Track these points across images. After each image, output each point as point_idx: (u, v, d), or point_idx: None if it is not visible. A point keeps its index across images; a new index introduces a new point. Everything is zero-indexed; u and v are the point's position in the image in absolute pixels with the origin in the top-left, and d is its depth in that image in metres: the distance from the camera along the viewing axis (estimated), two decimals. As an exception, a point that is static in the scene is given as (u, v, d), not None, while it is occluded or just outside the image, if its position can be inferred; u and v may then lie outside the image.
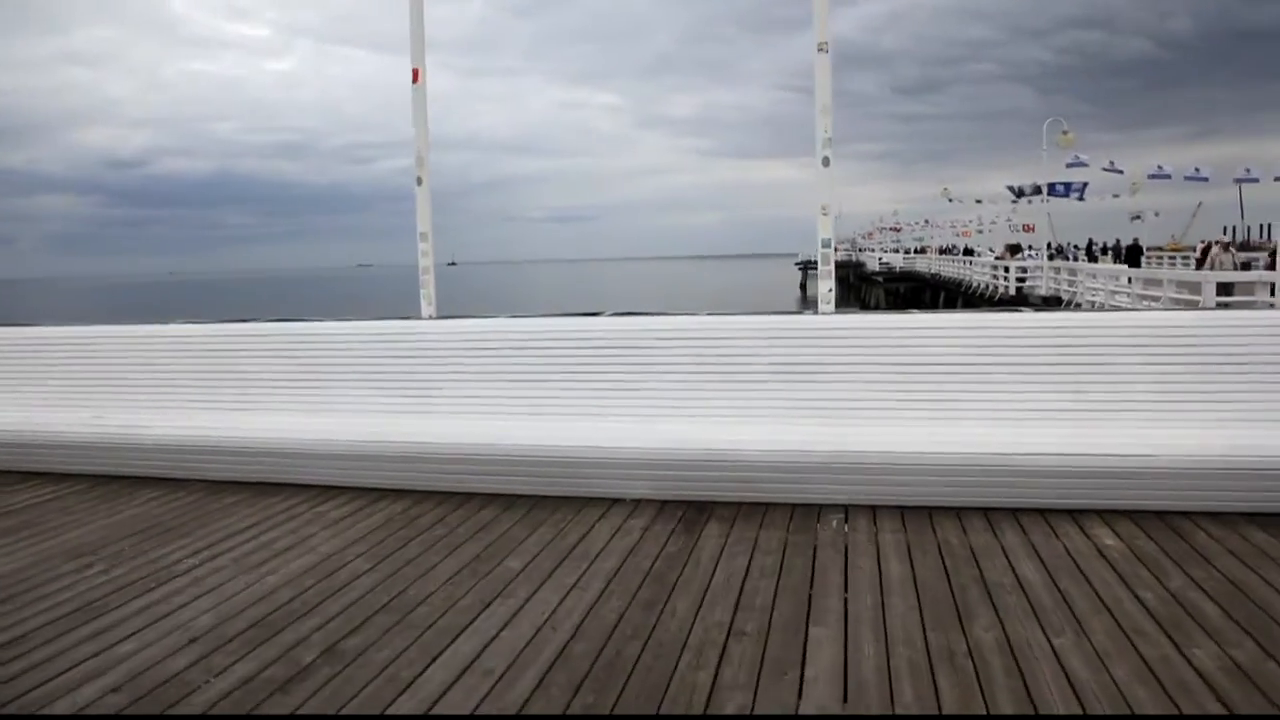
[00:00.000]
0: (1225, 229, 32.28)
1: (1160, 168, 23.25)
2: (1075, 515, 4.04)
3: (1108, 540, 3.73)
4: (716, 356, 4.98)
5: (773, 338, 4.95)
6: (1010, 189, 25.97)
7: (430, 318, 5.74)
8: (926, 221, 49.74)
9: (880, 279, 47.22)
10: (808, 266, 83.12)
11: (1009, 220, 48.30)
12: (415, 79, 5.57)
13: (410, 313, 5.96)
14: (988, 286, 26.25)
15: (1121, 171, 23.02)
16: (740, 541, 3.86)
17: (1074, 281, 19.56)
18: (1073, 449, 4.13)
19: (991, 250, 37.51)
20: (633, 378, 5.04)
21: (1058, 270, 21.60)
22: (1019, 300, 22.29)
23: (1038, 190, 23.72)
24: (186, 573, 3.68)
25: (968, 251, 45.96)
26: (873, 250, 72.77)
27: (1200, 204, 33.28)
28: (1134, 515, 3.99)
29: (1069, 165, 22.49)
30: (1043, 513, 4.08)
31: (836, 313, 5.21)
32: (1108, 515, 4.01)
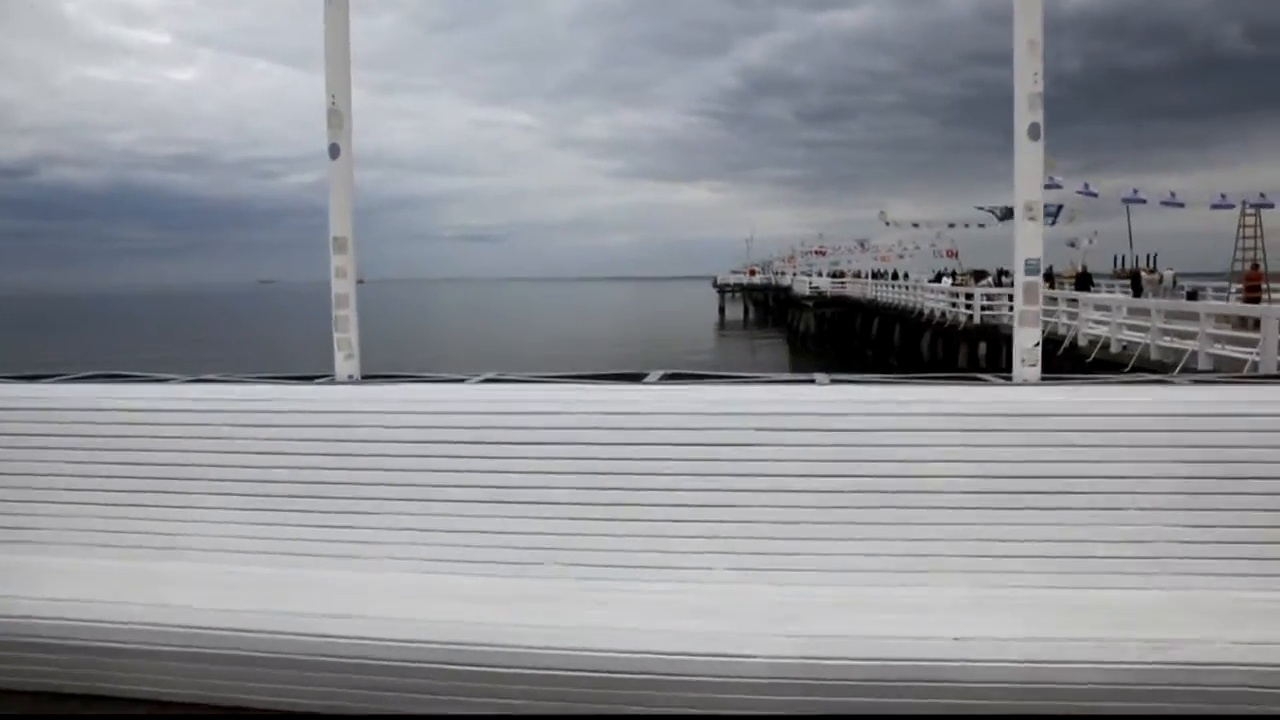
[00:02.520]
0: (1115, 257, 32.25)
1: (1135, 192, 22.32)
2: None
3: None
4: (866, 457, 2.85)
5: (961, 428, 2.87)
6: (982, 209, 24.68)
7: (352, 380, 3.45)
8: (862, 245, 48.81)
9: (810, 304, 45.98)
10: (724, 290, 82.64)
11: (933, 245, 47.93)
12: (331, -27, 3.33)
13: (320, 367, 3.66)
14: (943, 315, 24.86)
15: (1096, 195, 22.04)
16: None
17: (1054, 312, 18.11)
18: None
19: (957, 274, 36.28)
20: (720, 497, 2.88)
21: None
22: (986, 330, 20.88)
23: (1010, 212, 22.32)
24: None
25: (896, 276, 45.18)
26: (793, 274, 72.18)
27: (1096, 232, 33.35)
28: None
29: (1045, 187, 21.12)
30: None
31: (1046, 381, 3.14)
32: None
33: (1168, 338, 12.97)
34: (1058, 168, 20.43)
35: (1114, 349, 14.48)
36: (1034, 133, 3.14)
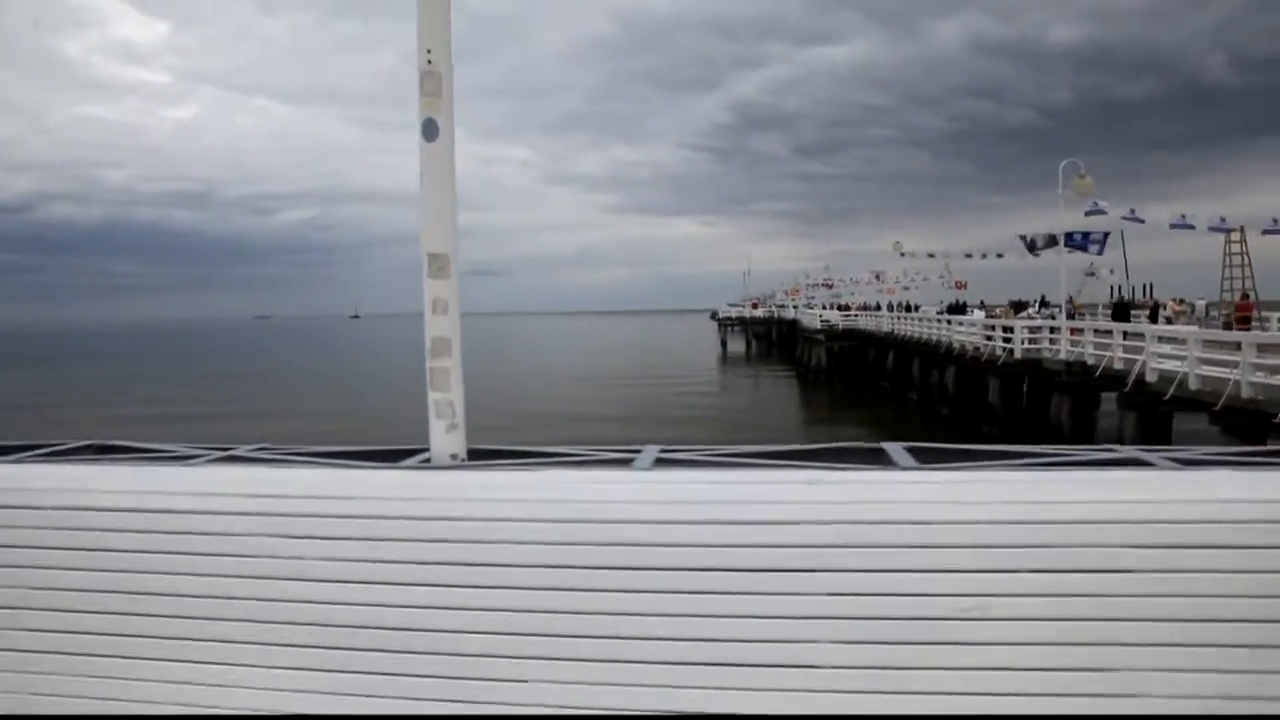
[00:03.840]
0: (1112, 289, 31.44)
1: (1183, 217, 21.38)
2: None
3: None
4: None
5: None
6: (1022, 239, 23.73)
7: (457, 461, 2.36)
8: (878, 276, 48.00)
9: (822, 337, 45.00)
10: (725, 323, 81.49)
11: (942, 277, 47.14)
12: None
13: (395, 434, 2.58)
14: (976, 349, 23.82)
15: (1143, 220, 21.07)
16: None
17: (1107, 345, 17.00)
18: None
19: (985, 308, 35.40)
20: (1071, 654, 1.81)
21: (1080, 330, 19.14)
22: (1029, 365, 19.80)
23: (1053, 241, 21.49)
24: None
25: (909, 308, 44.33)
26: (796, 306, 71.42)
27: (1093, 264, 32.77)
28: None
29: (1088, 213, 20.25)
30: None
31: None
32: None
33: (1260, 373, 11.92)
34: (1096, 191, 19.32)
35: (1193, 385, 13.41)
36: None
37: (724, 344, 76.98)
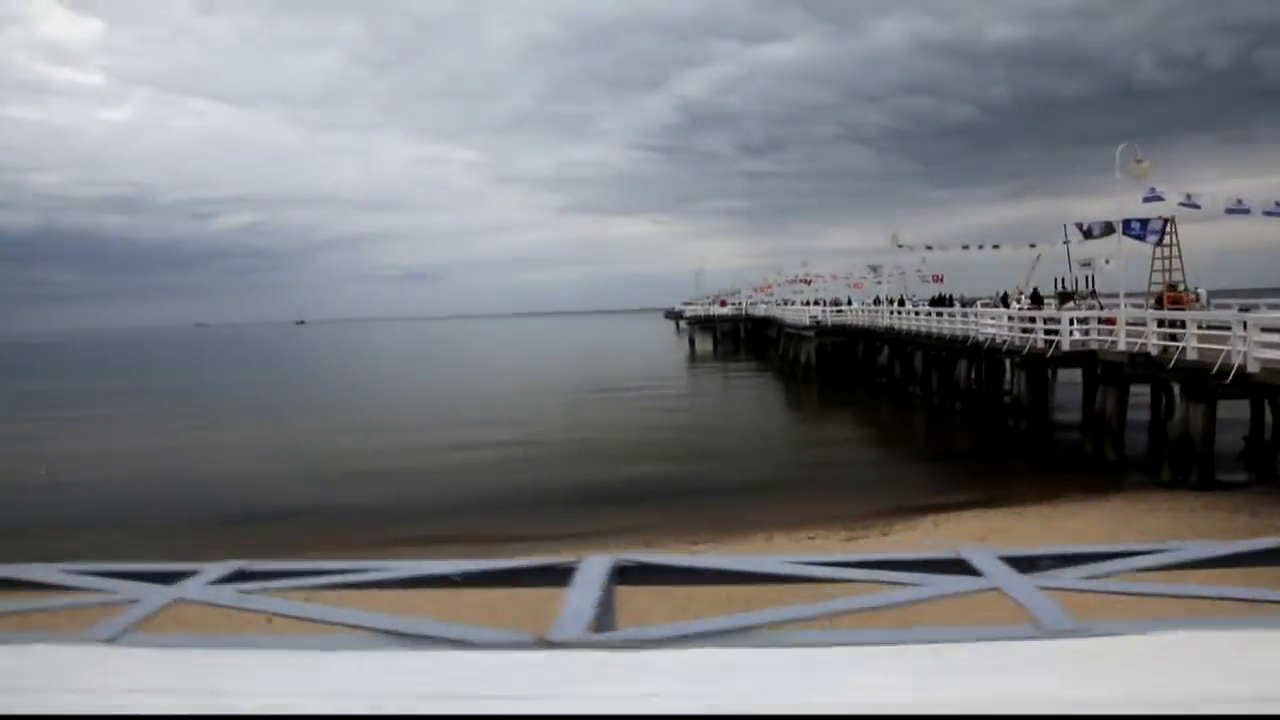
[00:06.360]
0: (1057, 279, 31.93)
1: (1240, 201, 21.14)
2: None
3: None
4: None
5: None
6: (1079, 227, 23.38)
7: None
8: (873, 269, 47.69)
9: (811, 333, 44.60)
10: (693, 322, 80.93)
11: (919, 270, 47.22)
12: None
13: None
14: (1004, 342, 23.43)
15: (1199, 207, 20.84)
16: None
17: (1179, 335, 16.66)
18: None
19: (990, 300, 35.17)
20: None
21: (1141, 321, 18.69)
22: (1085, 357, 19.48)
23: (1110, 229, 21.16)
24: None
25: (899, 301, 44.09)
26: (763, 304, 71.32)
27: (1039, 255, 33.35)
28: None
29: (1146, 199, 19.92)
30: None
31: None
32: None
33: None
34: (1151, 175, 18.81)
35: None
36: None
37: (692, 343, 76.57)
